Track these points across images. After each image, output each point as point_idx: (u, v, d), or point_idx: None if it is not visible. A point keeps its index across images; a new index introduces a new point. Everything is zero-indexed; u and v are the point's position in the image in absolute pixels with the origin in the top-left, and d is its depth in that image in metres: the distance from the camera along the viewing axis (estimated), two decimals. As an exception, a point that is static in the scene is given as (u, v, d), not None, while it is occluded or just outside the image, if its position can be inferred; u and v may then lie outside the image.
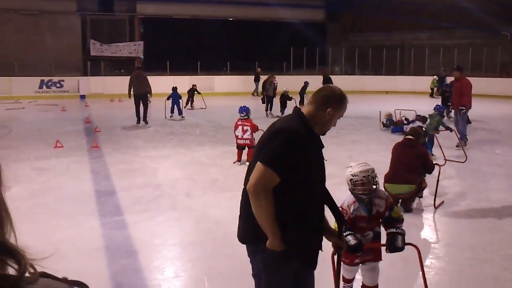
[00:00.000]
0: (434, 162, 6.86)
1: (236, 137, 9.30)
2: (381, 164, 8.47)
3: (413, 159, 6.25)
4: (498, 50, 28.99)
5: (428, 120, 10.68)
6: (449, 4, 29.47)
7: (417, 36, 33.98)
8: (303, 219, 2.64)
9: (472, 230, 5.98)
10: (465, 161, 8.55)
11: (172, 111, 16.67)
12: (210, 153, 10.59)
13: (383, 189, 4.48)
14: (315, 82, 21.06)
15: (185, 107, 18.49)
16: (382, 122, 14.31)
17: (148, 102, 15.24)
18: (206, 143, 11.80)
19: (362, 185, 3.61)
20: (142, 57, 29.02)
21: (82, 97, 24.73)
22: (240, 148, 9.30)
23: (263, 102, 17.99)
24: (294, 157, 2.57)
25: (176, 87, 17.18)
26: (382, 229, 3.68)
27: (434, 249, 5.36)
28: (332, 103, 2.72)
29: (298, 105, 17.48)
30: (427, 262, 4.74)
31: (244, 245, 2.82)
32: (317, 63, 31.57)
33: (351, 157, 10.25)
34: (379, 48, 32.01)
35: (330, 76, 18.63)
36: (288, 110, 17.11)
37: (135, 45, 28.67)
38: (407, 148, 6.42)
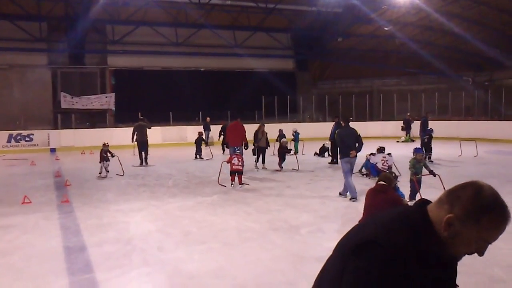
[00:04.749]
0: None
1: (233, 164, 12.39)
2: (354, 209, 8.51)
3: (385, 205, 6.26)
4: (462, 94, 30.01)
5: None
6: (413, 51, 30.61)
7: (384, 82, 34.99)
8: None
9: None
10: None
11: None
12: (183, 204, 10.44)
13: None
14: (289, 129, 21.37)
15: (195, 158, 19.64)
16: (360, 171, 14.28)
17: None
18: (178, 195, 11.65)
19: None
20: (114, 108, 28.95)
21: (53, 150, 24.39)
22: (234, 173, 12.46)
23: (254, 154, 16.56)
24: None
25: None
26: None
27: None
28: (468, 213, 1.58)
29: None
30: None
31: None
32: (288, 111, 32.05)
33: (324, 204, 10.27)
34: (349, 94, 32.79)
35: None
36: (286, 164, 16.07)
37: (106, 97, 28.65)
38: (380, 193, 6.44)
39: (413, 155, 10.28)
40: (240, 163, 12.56)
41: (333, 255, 1.74)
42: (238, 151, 13.42)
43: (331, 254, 1.77)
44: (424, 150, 16.49)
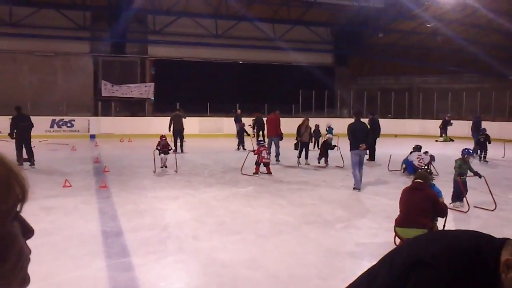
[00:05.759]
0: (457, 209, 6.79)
1: (262, 157, 13.31)
2: (390, 207, 8.40)
3: (422, 202, 6.18)
4: (506, 94, 29.09)
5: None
6: (456, 49, 29.84)
7: (425, 80, 34.28)
8: None
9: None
10: (494, 209, 8.74)
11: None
12: (218, 194, 10.55)
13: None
14: (323, 124, 21.23)
15: (237, 149, 19.99)
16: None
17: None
18: (214, 185, 11.77)
19: None
20: (153, 98, 29.38)
21: (92, 136, 25.00)
22: (259, 164, 13.33)
23: (295, 148, 16.07)
24: None
25: None
26: None
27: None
28: None
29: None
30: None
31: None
32: (326, 105, 31.82)
33: (359, 200, 10.19)
34: (388, 91, 32.27)
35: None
36: (330, 161, 15.63)
37: (145, 86, 29.09)
38: (417, 191, 6.36)
39: (461, 155, 9.80)
40: (268, 156, 13.68)
41: (388, 262, 1.70)
42: (262, 143, 14.61)
43: (383, 259, 1.74)
44: (479, 150, 16.35)
